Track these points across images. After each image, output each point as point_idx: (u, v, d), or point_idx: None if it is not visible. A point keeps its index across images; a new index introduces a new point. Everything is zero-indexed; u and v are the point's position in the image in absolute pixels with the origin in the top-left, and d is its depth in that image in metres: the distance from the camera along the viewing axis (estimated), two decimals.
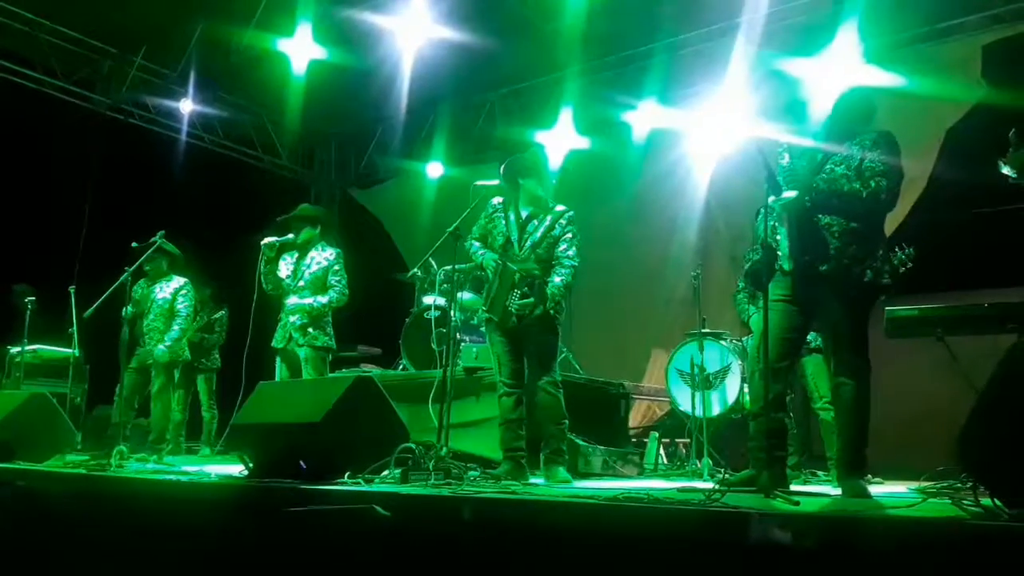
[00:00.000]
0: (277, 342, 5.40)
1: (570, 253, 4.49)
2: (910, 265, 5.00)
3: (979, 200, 6.09)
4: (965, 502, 2.44)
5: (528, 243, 4.52)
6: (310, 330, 5.33)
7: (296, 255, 5.51)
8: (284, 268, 5.46)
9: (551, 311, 4.44)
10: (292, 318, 5.35)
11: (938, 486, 3.55)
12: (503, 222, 4.62)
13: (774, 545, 2.27)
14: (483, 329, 4.78)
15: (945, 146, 6.52)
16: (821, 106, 3.81)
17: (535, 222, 4.56)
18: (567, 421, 4.52)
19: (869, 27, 6.56)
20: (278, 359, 5.43)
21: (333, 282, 5.44)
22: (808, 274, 3.59)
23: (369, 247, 9.38)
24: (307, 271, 5.43)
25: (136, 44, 8.45)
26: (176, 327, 6.21)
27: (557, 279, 4.41)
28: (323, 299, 5.38)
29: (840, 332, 3.59)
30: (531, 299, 4.34)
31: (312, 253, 5.48)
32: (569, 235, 4.51)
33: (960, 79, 6.45)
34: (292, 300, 5.37)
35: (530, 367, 4.53)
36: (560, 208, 4.59)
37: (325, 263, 5.44)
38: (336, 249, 5.56)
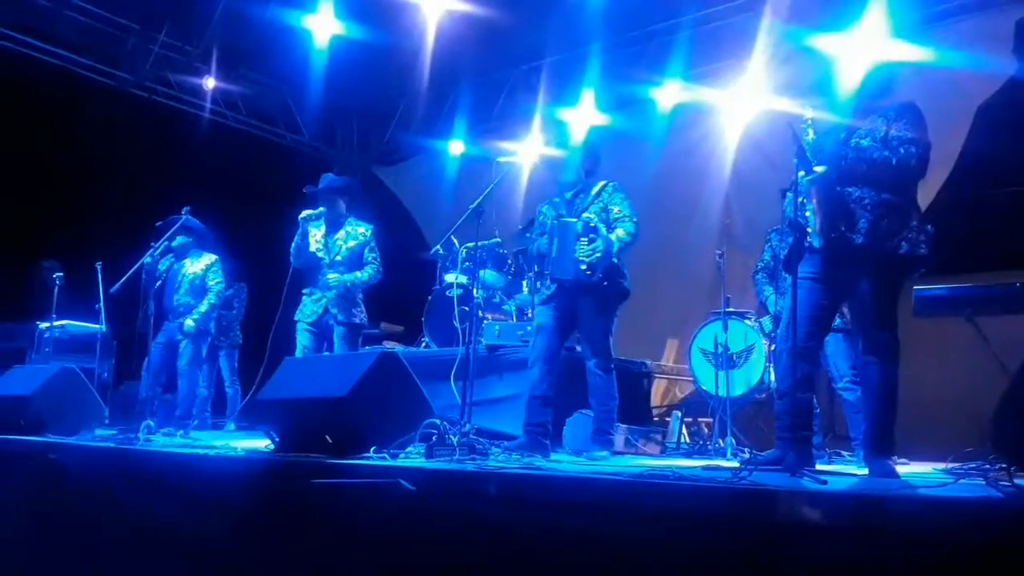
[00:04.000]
0: (306, 316, 5.40)
1: (626, 209, 4.57)
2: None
3: (1011, 177, 5.97)
4: (1000, 482, 2.41)
5: (579, 211, 4.60)
6: (351, 308, 5.37)
7: (324, 228, 5.49)
8: (312, 242, 5.46)
9: (615, 276, 4.47)
10: (330, 292, 5.35)
11: (966, 467, 3.51)
12: (551, 208, 4.72)
13: (803, 524, 2.26)
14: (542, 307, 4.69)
15: (976, 123, 6.38)
16: (848, 82, 3.74)
17: (581, 195, 4.67)
18: (616, 402, 4.56)
19: (898, 1, 6.42)
20: (301, 333, 5.44)
21: (370, 259, 5.47)
22: (839, 250, 3.54)
23: (390, 225, 9.38)
24: (344, 246, 5.43)
25: (159, 20, 8.45)
26: (207, 301, 6.23)
27: (620, 231, 4.47)
28: (363, 276, 5.42)
29: (869, 309, 3.52)
30: (598, 242, 4.36)
31: (346, 228, 5.49)
32: (619, 197, 4.62)
33: (992, 55, 6.30)
34: (331, 275, 5.36)
35: (583, 347, 4.59)
36: (601, 181, 4.70)
37: (362, 238, 5.46)
38: (369, 224, 5.57)
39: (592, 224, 4.41)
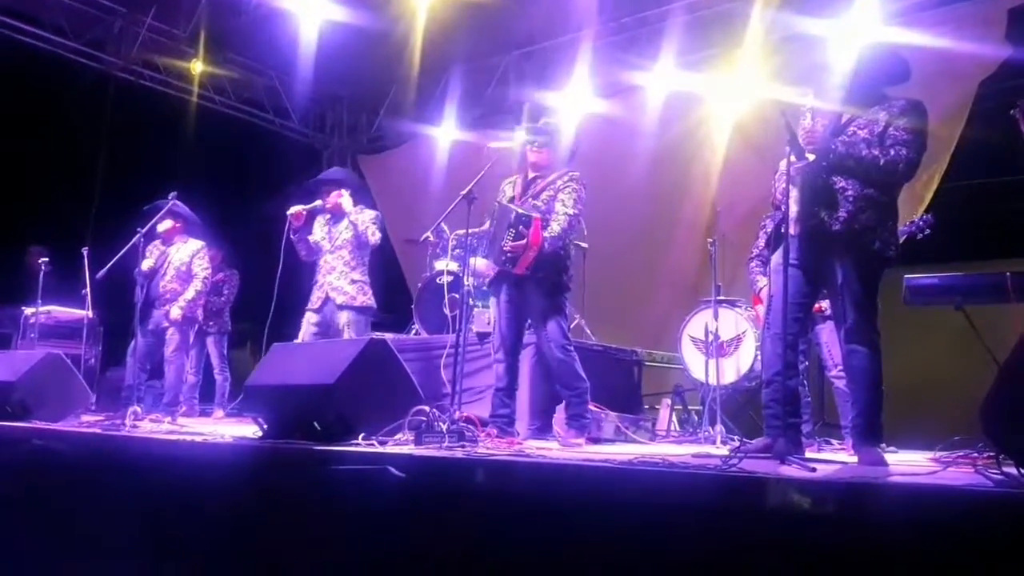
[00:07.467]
0: (312, 303, 5.39)
1: (567, 203, 4.47)
2: (928, 232, 4.96)
3: (1002, 167, 5.97)
4: (988, 470, 2.41)
5: (529, 198, 4.54)
6: (355, 290, 5.33)
7: (328, 218, 5.48)
8: (318, 231, 5.45)
9: (552, 269, 4.41)
10: (331, 276, 5.34)
11: (955, 455, 3.52)
12: (511, 187, 4.66)
13: (791, 511, 2.25)
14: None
15: (972, 113, 6.35)
16: (842, 68, 3.71)
17: (539, 180, 4.60)
18: (585, 385, 4.50)
19: None
20: (305, 320, 5.40)
21: (372, 241, 5.41)
22: (816, 238, 3.53)
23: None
24: (345, 231, 5.41)
25: (146, 3, 8.35)
26: (192, 288, 6.18)
27: (552, 226, 4.39)
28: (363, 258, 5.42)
29: (847, 298, 3.52)
30: (525, 239, 4.30)
31: (349, 216, 5.44)
32: (569, 189, 4.51)
33: (987, 41, 6.28)
34: (330, 261, 5.36)
35: (536, 331, 4.53)
36: (564, 170, 4.61)
37: (362, 224, 5.40)
38: (374, 211, 5.54)
39: (527, 217, 4.32)
